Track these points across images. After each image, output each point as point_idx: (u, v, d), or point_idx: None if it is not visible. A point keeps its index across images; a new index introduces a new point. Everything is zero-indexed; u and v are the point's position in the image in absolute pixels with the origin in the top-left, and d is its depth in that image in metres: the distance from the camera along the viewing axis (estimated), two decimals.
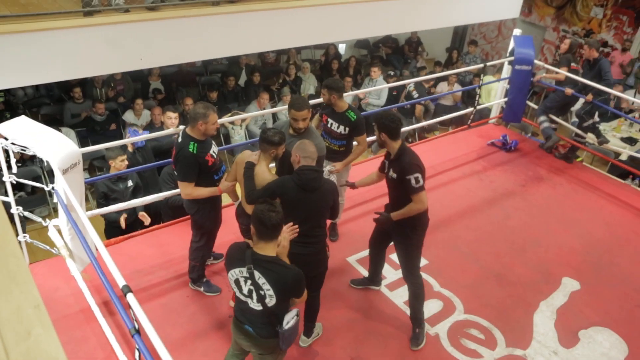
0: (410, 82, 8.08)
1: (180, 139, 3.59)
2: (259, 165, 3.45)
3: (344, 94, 4.29)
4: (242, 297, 2.80)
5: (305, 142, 3.42)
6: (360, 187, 4.21)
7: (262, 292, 2.70)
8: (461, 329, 4.02)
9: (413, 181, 3.45)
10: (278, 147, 3.43)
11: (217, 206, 3.94)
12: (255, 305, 2.75)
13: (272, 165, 3.71)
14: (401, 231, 3.68)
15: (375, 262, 4.19)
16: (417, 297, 3.82)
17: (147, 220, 4.91)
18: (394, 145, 3.56)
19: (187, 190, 3.64)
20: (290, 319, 2.81)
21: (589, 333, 4.08)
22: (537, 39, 11.50)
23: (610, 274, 4.71)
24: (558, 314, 4.23)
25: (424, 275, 4.42)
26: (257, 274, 2.68)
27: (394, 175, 3.57)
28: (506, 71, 7.01)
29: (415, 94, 8.56)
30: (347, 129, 4.24)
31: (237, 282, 2.78)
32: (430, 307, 4.18)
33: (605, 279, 4.65)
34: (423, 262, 4.59)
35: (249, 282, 2.71)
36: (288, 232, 2.91)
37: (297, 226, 2.99)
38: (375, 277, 4.28)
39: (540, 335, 4.02)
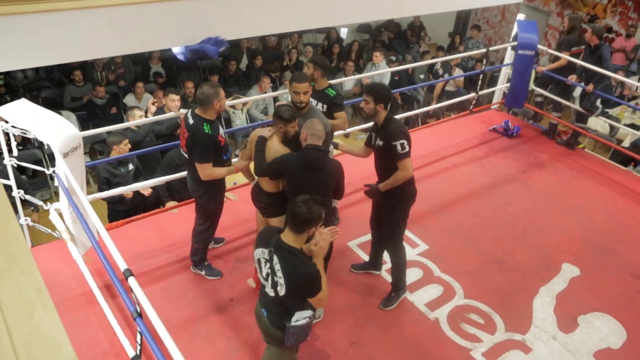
0: (411, 66, 8.03)
1: (192, 121, 3.58)
2: (270, 140, 3.53)
3: (345, 79, 4.30)
4: (262, 279, 2.83)
5: (314, 120, 3.49)
6: (344, 152, 4.19)
7: (275, 279, 2.69)
8: (461, 313, 4.04)
9: (399, 147, 3.49)
10: (287, 124, 3.52)
11: (222, 189, 3.95)
12: (269, 290, 2.76)
13: None
14: (387, 202, 3.75)
15: (377, 245, 4.21)
16: (397, 266, 3.97)
17: (147, 191, 4.94)
18: (382, 116, 3.63)
19: (207, 172, 3.63)
20: (300, 318, 2.74)
21: (587, 318, 4.10)
22: (541, 24, 11.39)
23: (610, 261, 4.72)
24: (557, 299, 4.25)
25: (424, 260, 4.46)
26: (275, 259, 2.68)
27: (380, 143, 3.62)
28: (509, 56, 6.96)
29: (441, 72, 8.67)
30: (324, 106, 4.26)
31: (259, 262, 2.81)
32: (431, 292, 4.20)
33: (605, 265, 4.66)
34: (423, 247, 4.63)
35: (268, 265, 2.73)
36: (329, 233, 2.78)
37: (338, 229, 2.90)
38: (376, 261, 4.29)
39: (540, 320, 4.05)
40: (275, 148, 3.49)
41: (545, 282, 4.42)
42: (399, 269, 3.98)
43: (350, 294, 4.12)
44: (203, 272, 4.12)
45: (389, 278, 4.25)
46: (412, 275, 4.26)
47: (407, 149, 3.51)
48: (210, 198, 3.85)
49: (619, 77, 7.00)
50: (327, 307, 3.94)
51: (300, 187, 3.23)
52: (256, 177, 3.76)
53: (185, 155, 3.75)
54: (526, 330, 3.95)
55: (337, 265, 4.30)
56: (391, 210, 3.79)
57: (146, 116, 5.46)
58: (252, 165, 3.79)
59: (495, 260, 4.60)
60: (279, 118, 3.51)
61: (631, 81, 7.42)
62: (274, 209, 3.69)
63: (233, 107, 7.93)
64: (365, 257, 4.39)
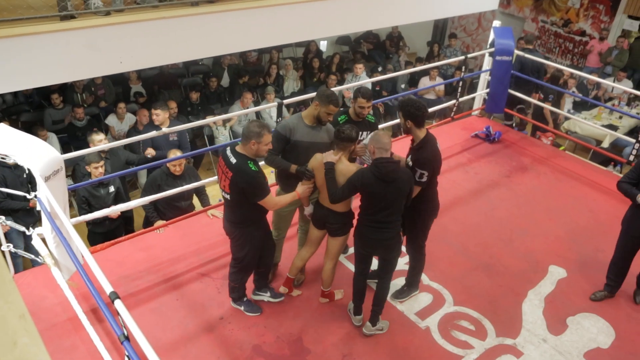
0: (393, 75, 8.09)
1: (234, 160, 3.40)
2: (339, 163, 3.56)
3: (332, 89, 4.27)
4: None
5: (380, 133, 3.61)
6: None
7: None
8: (451, 320, 4.05)
9: (417, 175, 3.63)
10: (355, 142, 3.60)
11: (259, 230, 3.72)
12: None
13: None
14: (409, 215, 3.83)
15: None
16: (414, 268, 4.15)
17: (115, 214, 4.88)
18: (419, 134, 3.69)
19: (273, 202, 3.54)
20: None
21: (576, 319, 4.14)
22: (517, 30, 11.60)
23: (595, 261, 4.77)
24: (546, 302, 4.28)
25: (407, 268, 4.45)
26: None
27: (410, 163, 3.71)
28: (487, 63, 7.06)
29: None
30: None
31: None
32: (420, 301, 4.20)
33: (590, 266, 4.71)
34: None
35: None
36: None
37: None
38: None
39: (530, 323, 4.07)
40: (347, 169, 3.53)
41: (533, 285, 4.45)
42: (415, 270, 4.16)
43: (340, 307, 4.10)
44: (242, 308, 3.98)
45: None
46: (400, 285, 4.26)
47: (424, 179, 3.64)
48: (247, 239, 3.66)
49: (597, 79, 7.21)
50: (319, 318, 3.93)
51: (376, 199, 3.43)
52: (309, 206, 3.85)
53: (226, 196, 3.52)
54: (517, 335, 3.97)
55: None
56: (412, 223, 3.91)
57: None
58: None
59: (483, 266, 4.63)
60: (348, 140, 3.54)
61: (607, 82, 7.57)
62: (347, 227, 3.77)
63: (216, 123, 7.92)
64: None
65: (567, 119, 8.44)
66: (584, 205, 5.62)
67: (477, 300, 4.25)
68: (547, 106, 7.88)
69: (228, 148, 3.50)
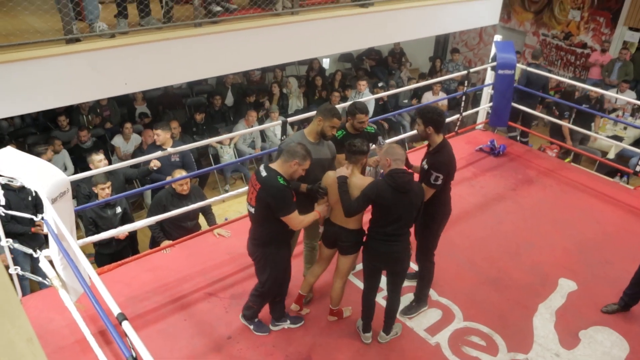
0: (396, 92, 8.12)
1: (264, 174, 3.38)
2: (352, 176, 3.57)
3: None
4: None
5: (394, 145, 3.65)
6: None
7: None
8: (462, 336, 4.00)
9: (433, 177, 3.70)
10: (366, 155, 3.65)
11: (285, 251, 3.67)
12: None
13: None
14: (422, 218, 3.80)
15: None
16: (423, 278, 4.14)
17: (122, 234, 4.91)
18: (436, 139, 3.79)
19: (298, 219, 3.46)
20: None
21: (589, 333, 4.08)
22: (518, 44, 11.67)
23: (605, 272, 4.72)
24: (557, 315, 4.23)
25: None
26: None
27: (425, 166, 3.77)
28: (489, 77, 7.08)
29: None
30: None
31: None
32: (430, 317, 4.16)
33: (600, 278, 4.66)
34: None
35: None
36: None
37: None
38: None
39: (541, 338, 4.01)
40: (361, 182, 3.55)
41: (543, 298, 4.40)
42: (424, 281, 4.14)
43: (348, 324, 4.06)
44: (251, 327, 3.94)
45: None
46: (409, 301, 4.23)
47: (438, 182, 3.71)
48: (267, 260, 3.60)
49: (600, 90, 7.22)
50: (327, 336, 3.90)
51: (390, 210, 3.45)
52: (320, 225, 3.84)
53: (251, 209, 3.48)
54: (528, 349, 3.91)
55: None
56: (424, 226, 3.92)
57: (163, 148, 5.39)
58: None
59: (491, 280, 4.59)
60: (361, 153, 3.59)
61: (610, 93, 7.57)
62: (358, 245, 3.74)
63: (220, 142, 7.95)
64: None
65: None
66: (591, 217, 5.58)
67: (487, 315, 4.20)
68: (565, 124, 7.86)
69: (262, 165, 3.49)
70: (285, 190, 3.36)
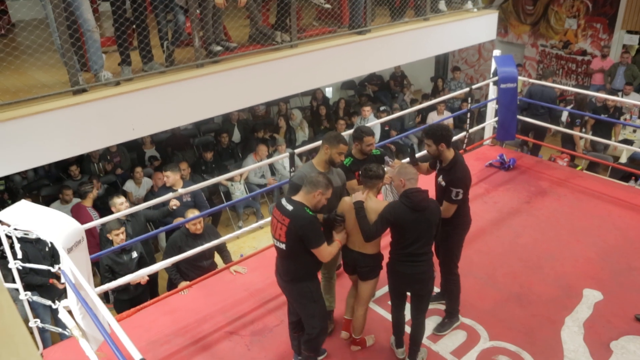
0: (400, 114, 8.15)
1: (290, 207, 3.33)
2: (369, 201, 3.58)
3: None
4: None
5: (405, 165, 3.72)
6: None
7: None
8: (489, 357, 3.91)
9: (454, 194, 3.75)
10: (382, 179, 3.67)
11: (318, 282, 3.59)
12: None
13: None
14: (444, 229, 3.82)
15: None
16: (451, 293, 4.13)
17: (143, 279, 4.93)
18: (448, 155, 3.85)
19: (328, 250, 3.40)
20: None
21: (620, 343, 3.97)
22: (518, 57, 11.72)
23: (631, 279, 4.62)
24: (585, 327, 4.12)
25: (443, 307, 4.35)
26: None
27: (443, 183, 3.81)
28: (492, 92, 7.10)
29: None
30: None
31: None
32: (454, 339, 4.08)
33: (626, 285, 4.56)
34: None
35: None
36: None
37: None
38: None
39: (571, 352, 3.91)
40: (378, 205, 3.57)
41: (569, 311, 4.30)
42: (452, 295, 4.12)
43: (372, 352, 3.99)
44: None
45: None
46: (433, 323, 4.16)
47: (459, 197, 3.76)
48: (314, 294, 3.49)
49: (615, 98, 7.25)
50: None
51: (408, 230, 3.46)
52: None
53: (281, 246, 3.39)
54: None
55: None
56: (446, 236, 3.92)
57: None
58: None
59: (514, 296, 4.50)
60: (377, 178, 3.61)
61: (628, 100, 7.58)
62: (377, 270, 3.74)
63: (231, 179, 7.99)
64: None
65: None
66: (610, 223, 5.49)
67: (513, 332, 4.11)
68: (577, 133, 7.85)
69: (283, 199, 3.45)
70: (315, 221, 3.33)
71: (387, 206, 3.52)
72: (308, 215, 3.30)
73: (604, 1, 10.45)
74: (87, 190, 6.30)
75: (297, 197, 3.39)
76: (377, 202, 3.60)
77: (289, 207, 3.33)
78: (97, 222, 4.60)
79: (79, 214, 5.99)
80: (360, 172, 3.71)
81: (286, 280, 3.50)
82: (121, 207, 5.37)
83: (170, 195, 4.93)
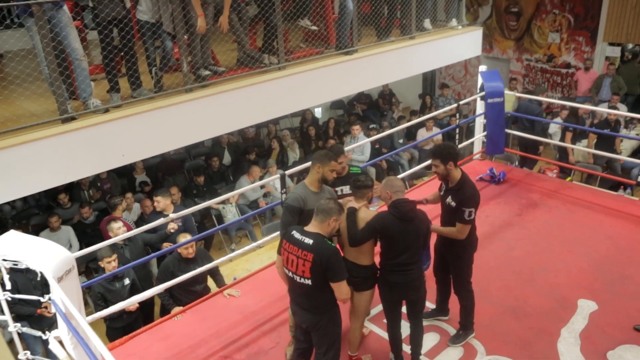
0: (390, 132, 8.20)
1: (310, 241, 3.21)
2: (360, 211, 3.62)
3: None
4: None
5: (392, 178, 3.73)
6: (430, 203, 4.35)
7: None
8: None
9: (467, 214, 3.74)
10: (372, 188, 3.74)
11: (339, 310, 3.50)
12: None
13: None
14: (452, 250, 3.94)
15: (442, 292, 4.31)
16: (466, 308, 4.12)
17: (133, 307, 4.89)
18: (456, 175, 3.85)
19: (346, 288, 3.30)
20: None
21: (617, 353, 3.96)
22: (504, 72, 11.88)
23: (624, 288, 4.63)
24: (581, 338, 4.11)
25: (438, 323, 4.34)
26: None
27: (453, 204, 3.81)
28: (480, 107, 7.17)
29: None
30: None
31: None
32: (451, 355, 4.05)
33: (620, 294, 4.56)
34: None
35: None
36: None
37: None
38: (443, 307, 4.36)
39: None
40: (367, 215, 3.61)
41: (564, 322, 4.29)
42: (467, 310, 4.12)
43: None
44: None
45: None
46: (428, 340, 4.13)
47: (472, 217, 3.78)
48: (335, 324, 3.44)
49: (618, 112, 7.38)
50: None
51: (396, 240, 3.51)
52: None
53: (307, 282, 3.24)
54: None
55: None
56: (456, 257, 3.97)
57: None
58: None
59: (509, 309, 4.49)
60: (366, 187, 3.68)
61: (601, 109, 7.67)
62: (371, 281, 3.74)
63: (223, 202, 7.97)
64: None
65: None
66: (602, 233, 5.52)
67: (510, 346, 4.09)
68: (568, 145, 7.97)
69: (294, 231, 3.31)
70: (338, 252, 3.26)
71: (376, 216, 3.58)
72: (331, 247, 3.21)
73: (585, 15, 10.66)
74: (117, 202, 6.70)
75: (312, 228, 3.28)
76: (365, 212, 3.65)
77: (308, 241, 3.20)
78: (86, 250, 4.55)
79: None
80: (350, 183, 3.80)
81: (316, 313, 3.37)
82: (119, 232, 5.35)
83: (162, 220, 4.91)
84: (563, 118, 8.74)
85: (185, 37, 5.25)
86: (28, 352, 3.70)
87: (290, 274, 3.32)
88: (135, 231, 4.69)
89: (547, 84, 11.69)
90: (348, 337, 3.92)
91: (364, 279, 3.69)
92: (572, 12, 10.82)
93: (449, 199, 3.87)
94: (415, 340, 3.85)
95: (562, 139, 8.55)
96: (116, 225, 5.51)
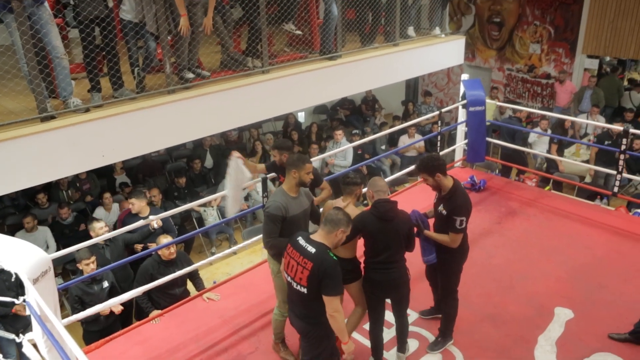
0: (373, 138, 8.23)
1: (313, 250, 3.20)
2: (346, 208, 3.66)
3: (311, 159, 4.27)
4: None
5: (375, 178, 3.83)
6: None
7: None
8: None
9: (458, 222, 3.77)
10: (361, 186, 3.85)
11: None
12: None
13: None
14: (442, 257, 3.98)
15: (437, 291, 4.36)
16: (448, 315, 4.17)
17: (117, 309, 4.84)
18: (447, 184, 3.88)
19: (339, 304, 3.26)
20: None
21: None
22: (485, 80, 12.03)
23: (600, 297, 4.70)
24: (558, 346, 4.17)
25: (417, 329, 4.37)
26: None
27: (444, 212, 3.84)
28: (462, 115, 7.24)
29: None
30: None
31: None
32: None
33: (596, 302, 4.63)
34: (414, 315, 4.53)
35: None
36: None
37: None
38: (440, 305, 4.38)
39: None
40: (353, 212, 3.65)
41: (541, 330, 4.34)
42: (449, 318, 4.17)
43: None
44: None
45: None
46: (412, 344, 4.14)
47: (464, 225, 3.81)
48: (328, 331, 3.39)
49: (569, 117, 7.42)
50: None
51: (376, 238, 3.59)
52: None
53: (302, 290, 3.24)
54: None
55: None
56: (445, 265, 4.02)
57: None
58: None
59: (488, 316, 4.53)
60: (355, 185, 3.81)
61: (580, 119, 7.80)
62: (354, 274, 3.79)
63: (204, 205, 7.91)
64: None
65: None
66: (579, 242, 5.61)
67: (488, 353, 4.12)
68: (556, 157, 8.09)
69: (300, 237, 3.31)
70: (337, 266, 3.20)
71: (357, 215, 3.64)
72: (332, 259, 3.18)
73: (565, 27, 10.85)
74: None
75: (318, 237, 3.26)
76: (353, 210, 3.72)
77: (311, 249, 3.19)
78: (64, 252, 4.47)
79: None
80: (340, 180, 3.86)
81: (310, 322, 3.37)
82: (100, 232, 5.26)
83: (141, 222, 4.85)
84: (543, 128, 8.88)
85: (169, 37, 5.21)
86: (0, 355, 3.62)
87: (289, 278, 3.34)
88: (117, 232, 4.63)
89: (527, 93, 11.86)
90: (348, 318, 3.92)
91: (347, 271, 3.67)
92: (553, 24, 11.00)
93: (440, 207, 3.91)
94: (402, 334, 3.97)
95: (549, 151, 8.72)
96: (98, 225, 5.41)
